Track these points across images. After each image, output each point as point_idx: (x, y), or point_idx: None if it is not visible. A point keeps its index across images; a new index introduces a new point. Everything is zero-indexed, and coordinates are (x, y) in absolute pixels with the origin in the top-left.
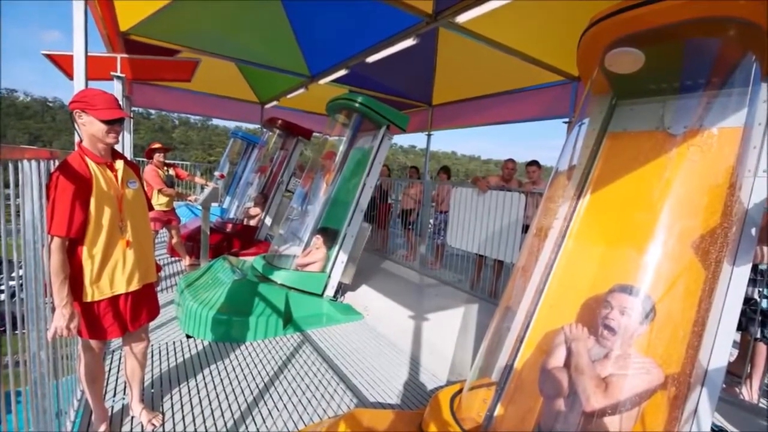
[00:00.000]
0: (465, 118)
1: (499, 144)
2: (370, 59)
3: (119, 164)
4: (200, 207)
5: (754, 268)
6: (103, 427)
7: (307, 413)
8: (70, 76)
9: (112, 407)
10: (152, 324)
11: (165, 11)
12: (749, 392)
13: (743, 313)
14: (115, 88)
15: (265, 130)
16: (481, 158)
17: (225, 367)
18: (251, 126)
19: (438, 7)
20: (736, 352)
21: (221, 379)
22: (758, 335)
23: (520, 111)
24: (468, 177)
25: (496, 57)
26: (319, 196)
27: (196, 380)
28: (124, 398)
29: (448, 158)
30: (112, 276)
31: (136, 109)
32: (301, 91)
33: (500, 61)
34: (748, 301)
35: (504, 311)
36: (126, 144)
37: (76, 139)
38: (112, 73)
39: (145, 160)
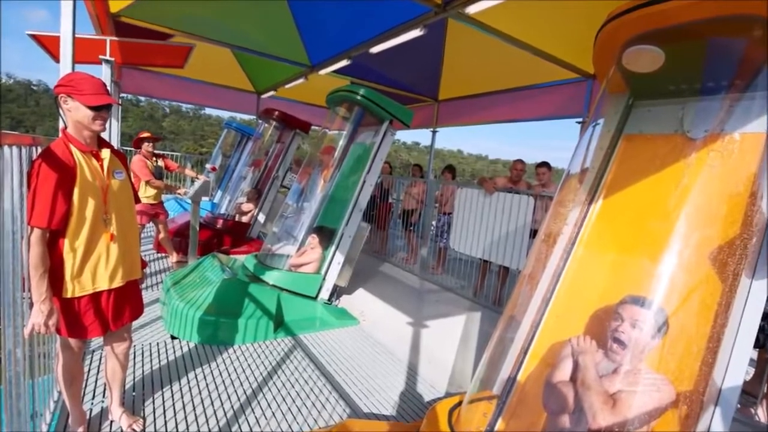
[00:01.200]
0: (472, 115)
1: (507, 143)
2: (374, 50)
3: (105, 153)
4: (190, 201)
5: None
6: (80, 430)
7: (297, 422)
8: (57, 59)
9: (91, 410)
10: (135, 323)
11: None
12: (765, 413)
13: (761, 329)
14: (104, 73)
15: (260, 121)
16: (489, 158)
17: (211, 371)
18: (246, 117)
19: None
20: (752, 371)
21: (207, 384)
22: None
23: (531, 109)
24: (474, 177)
25: (507, 51)
26: (315, 193)
27: (180, 384)
28: (103, 401)
29: (453, 157)
30: (94, 271)
31: (124, 95)
32: (300, 81)
33: (511, 56)
34: (766, 316)
35: (508, 320)
36: (113, 132)
37: (61, 125)
38: (100, 56)
39: (132, 149)
